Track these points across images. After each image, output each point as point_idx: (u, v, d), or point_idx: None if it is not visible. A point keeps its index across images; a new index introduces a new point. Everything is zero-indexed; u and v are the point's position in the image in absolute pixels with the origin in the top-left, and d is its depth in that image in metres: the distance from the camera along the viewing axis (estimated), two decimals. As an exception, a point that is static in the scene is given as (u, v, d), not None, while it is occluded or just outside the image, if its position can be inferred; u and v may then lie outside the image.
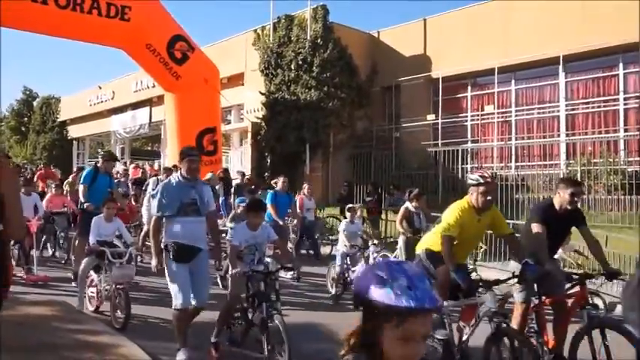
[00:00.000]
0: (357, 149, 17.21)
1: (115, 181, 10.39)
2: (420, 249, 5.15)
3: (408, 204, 8.43)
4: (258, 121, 17.35)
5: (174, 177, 5.04)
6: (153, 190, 10.70)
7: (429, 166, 15.74)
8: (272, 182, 13.35)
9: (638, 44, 12.30)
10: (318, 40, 16.42)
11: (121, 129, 25.61)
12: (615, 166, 12.65)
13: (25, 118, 35.50)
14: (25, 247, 8.30)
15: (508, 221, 11.75)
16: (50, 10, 12.02)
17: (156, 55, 13.86)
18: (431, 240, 5.06)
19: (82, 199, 8.01)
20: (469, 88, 16.57)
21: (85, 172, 8.59)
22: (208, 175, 12.42)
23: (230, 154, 20.61)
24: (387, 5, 65.56)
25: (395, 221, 12.19)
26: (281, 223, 9.35)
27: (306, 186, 11.83)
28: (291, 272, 6.03)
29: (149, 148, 35.45)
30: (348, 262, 7.84)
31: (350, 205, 8.48)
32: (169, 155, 16.00)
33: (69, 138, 30.25)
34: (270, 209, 9.05)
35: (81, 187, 8.12)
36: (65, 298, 6.86)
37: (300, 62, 16.57)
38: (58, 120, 30.33)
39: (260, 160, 17.55)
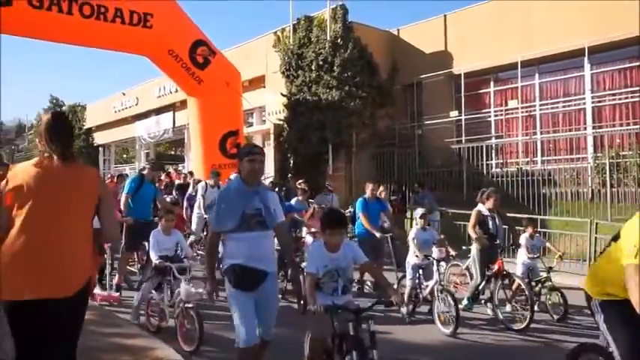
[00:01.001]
0: (380, 148, 17.18)
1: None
2: (592, 293, 3.35)
3: (480, 206, 7.32)
4: (281, 122, 17.43)
5: (233, 182, 4.19)
6: (203, 195, 10.63)
7: (453, 164, 15.65)
8: (297, 184, 13.36)
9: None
10: (338, 40, 16.43)
11: (145, 134, 25.97)
12: (645, 158, 12.41)
13: (52, 127, 36.09)
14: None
15: (535, 216, 11.78)
16: (75, 20, 12.25)
17: (178, 60, 14.03)
18: (608, 276, 3.20)
19: (122, 209, 7.63)
20: (492, 83, 16.41)
21: (128, 180, 8.17)
22: (232, 176, 12.56)
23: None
24: (407, 3, 65.29)
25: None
26: (378, 235, 8.16)
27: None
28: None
29: (173, 153, 35.85)
30: (421, 275, 6.94)
31: (422, 210, 7.45)
32: (194, 159, 16.17)
33: (95, 145, 30.78)
34: (362, 219, 8.36)
35: (123, 197, 7.74)
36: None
37: (321, 63, 16.60)
38: (84, 127, 30.87)
39: (283, 162, 17.63)
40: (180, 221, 9.35)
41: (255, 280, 3.91)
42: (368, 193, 8.66)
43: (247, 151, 4.07)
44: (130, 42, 13.61)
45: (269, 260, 4.04)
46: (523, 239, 7.62)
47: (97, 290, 7.00)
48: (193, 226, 10.36)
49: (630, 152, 12.65)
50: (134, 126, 26.88)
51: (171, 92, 22.35)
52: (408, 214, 13.19)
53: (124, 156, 35.42)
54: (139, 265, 8.05)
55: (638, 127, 13.47)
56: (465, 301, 7.18)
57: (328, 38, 16.55)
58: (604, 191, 12.49)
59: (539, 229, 11.24)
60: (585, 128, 14.44)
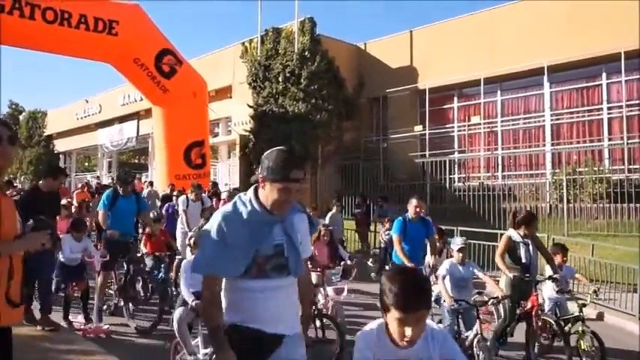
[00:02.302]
0: (346, 161, 17.30)
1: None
2: None
3: (511, 232, 5.94)
4: (247, 133, 17.38)
5: (243, 203, 2.54)
6: (184, 210, 9.63)
7: (416, 177, 15.87)
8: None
9: (621, 54, 12.58)
10: (306, 53, 16.52)
11: (108, 142, 25.52)
12: (600, 175, 12.84)
13: (11, 132, 35.13)
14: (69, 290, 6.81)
15: (495, 231, 12.02)
16: (37, 25, 12.00)
17: (144, 69, 13.87)
18: None
19: (102, 225, 7.13)
20: (455, 99, 16.75)
21: (103, 196, 7.45)
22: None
23: (218, 167, 20.61)
24: (374, 17, 66.14)
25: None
26: (408, 264, 6.26)
27: None
28: None
29: (136, 161, 35.28)
30: (459, 321, 5.63)
31: (461, 241, 5.89)
32: (157, 168, 15.97)
33: (55, 152, 30.03)
34: (395, 247, 6.62)
35: (99, 214, 7.17)
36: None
37: (288, 75, 16.65)
38: (45, 134, 30.12)
39: (248, 173, 17.53)
40: (166, 239, 8.37)
41: (267, 348, 2.59)
42: (410, 212, 6.69)
43: (284, 167, 2.41)
44: (95, 49, 13.39)
45: (290, 319, 2.65)
46: (549, 270, 6.16)
47: (79, 319, 6.55)
48: (178, 243, 9.23)
49: (586, 169, 13.07)
50: (97, 134, 26.37)
51: (135, 100, 22.03)
52: (372, 227, 13.28)
53: (86, 164, 34.68)
54: (115, 287, 7.29)
55: (594, 144, 13.97)
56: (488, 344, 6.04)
57: (296, 50, 16.62)
58: (561, 206, 12.85)
59: (498, 243, 11.51)
60: (544, 145, 14.87)
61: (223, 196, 13.02)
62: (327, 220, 10.69)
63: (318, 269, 6.37)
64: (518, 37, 14.52)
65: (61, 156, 30.27)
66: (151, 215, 8.24)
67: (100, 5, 13.09)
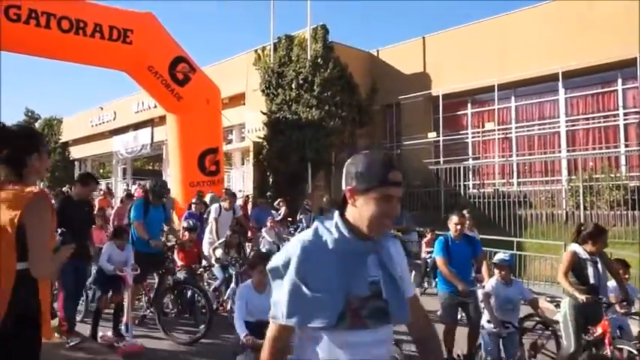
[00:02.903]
0: (359, 167, 17.20)
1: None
2: None
3: (575, 247, 5.26)
4: (260, 140, 17.41)
5: (327, 229, 1.92)
6: (215, 219, 9.24)
7: (431, 184, 15.78)
8: (275, 204, 13.35)
9: (636, 59, 12.43)
10: (319, 60, 16.54)
11: (122, 149, 25.70)
12: (617, 182, 12.67)
13: (27, 140, 35.56)
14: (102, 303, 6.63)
15: (511, 239, 11.90)
16: (53, 34, 12.13)
17: (158, 77, 13.95)
18: None
19: (143, 236, 6.85)
20: (469, 105, 16.66)
21: (134, 206, 7.30)
22: (209, 196, 12.43)
23: (232, 174, 20.65)
24: (386, 24, 66.18)
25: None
26: (461, 287, 5.68)
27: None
28: None
29: (150, 168, 35.51)
30: (501, 349, 5.19)
31: (504, 257, 5.45)
32: (172, 176, 16.03)
33: (71, 159, 30.33)
34: (440, 268, 5.96)
35: (136, 226, 6.94)
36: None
37: (301, 82, 16.68)
38: (60, 141, 30.43)
39: (262, 180, 17.57)
40: (198, 251, 8.05)
41: None
42: (452, 231, 6.04)
43: (380, 169, 1.87)
44: (109, 57, 13.51)
45: None
46: (611, 287, 5.53)
47: (108, 335, 6.35)
48: (205, 252, 8.89)
49: (603, 175, 12.91)
50: (111, 141, 26.58)
51: (149, 108, 22.19)
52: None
53: (101, 171, 34.95)
54: (145, 298, 7.26)
55: (610, 150, 13.80)
56: None
57: (309, 57, 16.65)
58: (578, 213, 12.70)
59: (514, 251, 11.44)
60: (560, 151, 14.72)
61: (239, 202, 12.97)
62: None
63: None
64: (532, 42, 14.41)
65: (76, 163, 30.55)
66: (185, 224, 8.07)
67: (114, 14, 13.22)
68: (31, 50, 13.14)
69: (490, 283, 5.31)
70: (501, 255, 5.47)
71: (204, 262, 8.07)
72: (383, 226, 1.88)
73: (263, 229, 10.66)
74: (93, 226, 7.11)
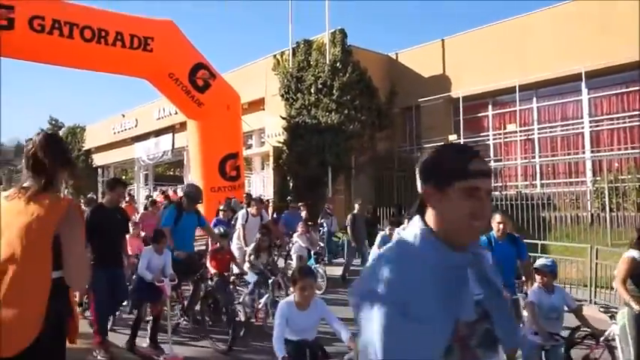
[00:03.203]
0: (379, 171, 17.18)
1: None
2: None
3: (634, 252, 4.83)
4: (280, 145, 17.46)
5: (412, 243, 1.49)
6: (243, 225, 9.17)
7: (452, 186, 15.62)
8: (293, 206, 13.37)
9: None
10: (337, 64, 16.55)
11: (144, 156, 25.99)
12: (644, 183, 12.41)
13: (51, 147, 36.19)
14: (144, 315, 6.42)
15: (535, 241, 11.72)
16: (76, 43, 12.32)
17: (178, 84, 14.09)
18: None
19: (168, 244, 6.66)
20: (490, 107, 16.50)
21: (166, 212, 7.19)
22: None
23: (252, 179, 20.74)
24: (405, 27, 65.94)
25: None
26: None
27: None
28: None
29: (172, 173, 35.85)
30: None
31: (546, 262, 4.96)
32: (193, 181, 16.15)
33: (94, 166, 30.77)
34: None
35: (166, 231, 6.69)
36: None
37: (320, 86, 16.70)
38: (84, 149, 30.89)
39: (282, 184, 17.61)
40: (230, 257, 7.81)
41: None
42: (495, 230, 5.55)
43: (462, 158, 1.51)
44: (131, 65, 13.68)
45: None
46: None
47: (143, 345, 6.12)
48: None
49: (629, 176, 12.66)
50: (133, 147, 26.90)
51: (170, 114, 22.42)
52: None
53: (123, 177, 35.38)
54: (179, 307, 7.12)
55: (636, 151, 13.52)
56: None
57: (327, 62, 16.66)
58: (603, 215, 12.47)
59: (539, 254, 11.26)
60: (584, 152, 14.48)
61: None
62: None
63: None
64: (553, 42, 14.22)
65: (99, 170, 30.98)
66: (216, 231, 7.90)
67: (135, 22, 13.39)
68: (55, 60, 13.38)
69: (533, 289, 4.89)
70: (543, 260, 4.98)
71: (236, 270, 7.91)
72: (473, 229, 1.48)
73: (295, 234, 10.43)
74: (128, 235, 6.93)
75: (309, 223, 13.33)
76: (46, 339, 2.41)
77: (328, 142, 16.19)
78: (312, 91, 16.84)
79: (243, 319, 7.10)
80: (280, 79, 17.78)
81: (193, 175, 16.27)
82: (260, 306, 7.34)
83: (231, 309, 6.63)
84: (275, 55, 18.46)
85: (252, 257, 7.65)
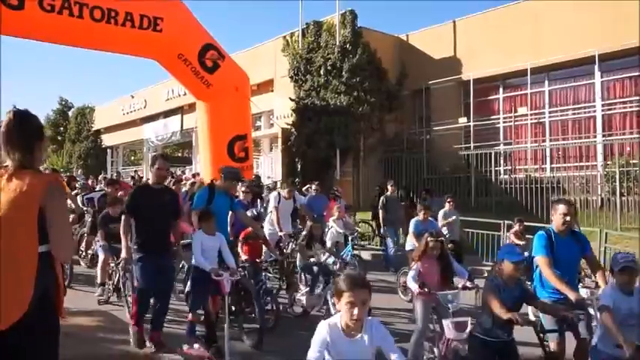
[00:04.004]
0: (388, 153, 17.14)
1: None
2: None
3: None
4: (288, 126, 17.43)
5: None
6: (276, 207, 8.48)
7: (461, 170, 15.60)
8: (304, 189, 13.34)
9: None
10: (347, 45, 16.42)
11: (153, 137, 26.06)
12: (655, 167, 12.31)
13: (61, 128, 36.37)
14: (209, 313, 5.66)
15: (544, 225, 11.65)
16: (86, 23, 12.26)
17: (187, 64, 14.02)
18: None
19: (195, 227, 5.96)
20: (501, 89, 16.36)
21: (197, 194, 6.58)
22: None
23: (260, 160, 20.76)
24: (416, 8, 65.15)
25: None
26: (573, 298, 4.25)
27: None
28: None
29: (180, 155, 35.93)
30: None
31: (625, 260, 3.87)
32: (202, 162, 16.18)
33: (103, 146, 30.90)
34: (545, 272, 4.53)
35: (193, 216, 6.06)
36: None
37: (330, 68, 16.60)
38: (93, 129, 31.00)
39: (290, 166, 17.61)
40: (264, 242, 7.12)
41: None
42: (557, 223, 4.68)
43: None
44: (140, 46, 13.62)
45: None
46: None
47: (195, 346, 5.26)
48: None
49: (640, 161, 12.56)
50: (142, 128, 26.96)
51: (179, 95, 22.41)
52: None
53: (132, 158, 35.55)
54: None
55: (648, 135, 13.39)
56: None
57: (337, 43, 16.54)
58: (613, 200, 12.40)
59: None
60: (595, 136, 14.35)
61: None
62: (439, 222, 9.36)
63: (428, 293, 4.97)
64: (566, 25, 14.01)
65: (108, 150, 31.11)
66: (248, 213, 7.26)
67: (144, 2, 13.29)
68: (64, 40, 13.34)
69: (605, 291, 3.99)
70: (623, 255, 4.00)
71: (265, 256, 7.26)
72: None
73: (331, 219, 9.43)
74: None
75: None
76: (34, 312, 2.45)
77: (337, 124, 16.15)
78: (322, 72, 16.74)
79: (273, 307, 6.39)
80: (289, 60, 17.69)
81: (202, 157, 16.31)
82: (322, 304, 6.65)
83: (263, 299, 6.10)
84: (284, 36, 18.34)
85: (300, 247, 6.96)
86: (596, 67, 13.91)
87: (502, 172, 15.47)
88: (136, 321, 5.36)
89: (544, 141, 15.27)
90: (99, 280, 7.51)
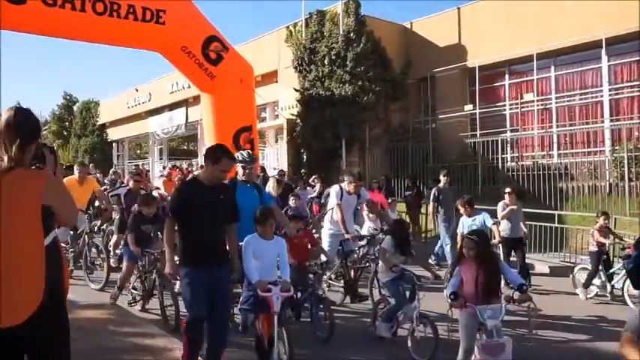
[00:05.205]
0: (394, 142, 17.09)
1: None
2: None
3: None
4: (293, 117, 17.39)
5: None
6: (339, 205, 7.20)
7: (467, 158, 15.53)
8: (310, 181, 13.35)
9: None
10: (351, 34, 16.33)
11: (158, 130, 26.06)
12: (664, 152, 12.22)
13: (67, 123, 36.46)
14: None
15: (551, 212, 11.63)
16: (88, 17, 12.22)
17: (191, 56, 13.97)
18: None
19: None
20: (507, 76, 16.24)
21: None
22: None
23: (266, 152, 20.74)
24: (417, -6, 64.66)
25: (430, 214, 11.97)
26: None
27: None
28: None
29: (185, 148, 35.97)
30: None
31: None
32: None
33: (108, 140, 30.95)
34: None
35: None
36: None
37: (334, 57, 16.52)
38: (98, 123, 31.04)
39: (296, 157, 17.60)
40: (312, 245, 6.37)
41: None
42: None
43: None
44: (143, 38, 13.58)
45: None
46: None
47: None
48: (325, 246, 7.13)
49: (649, 145, 12.46)
50: (147, 122, 26.97)
51: (183, 88, 22.38)
52: (423, 210, 13.09)
53: (138, 151, 35.60)
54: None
55: (657, 119, 13.28)
56: None
57: (341, 32, 16.45)
58: (622, 185, 12.33)
59: (555, 224, 11.22)
60: (603, 121, 14.25)
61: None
62: (498, 215, 8.41)
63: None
64: (572, 9, 13.85)
65: (114, 144, 31.16)
66: (289, 212, 6.63)
67: (147, -5, 13.24)
68: (67, 34, 13.32)
69: None
70: None
71: (322, 258, 6.50)
72: None
73: (364, 212, 8.86)
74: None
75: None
76: (47, 305, 2.51)
77: (342, 114, 16.09)
78: (326, 62, 16.67)
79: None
80: (293, 50, 17.61)
81: (208, 149, 16.31)
82: (401, 318, 5.51)
83: (314, 310, 5.49)
84: (288, 27, 18.24)
85: (387, 255, 5.67)
86: (603, 51, 13.77)
87: (509, 159, 15.40)
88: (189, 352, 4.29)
89: (551, 127, 15.17)
90: (118, 284, 6.85)
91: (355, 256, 7.33)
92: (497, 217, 8.50)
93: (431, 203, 10.66)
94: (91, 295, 7.41)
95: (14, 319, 2.43)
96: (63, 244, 7.89)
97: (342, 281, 7.23)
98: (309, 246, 6.26)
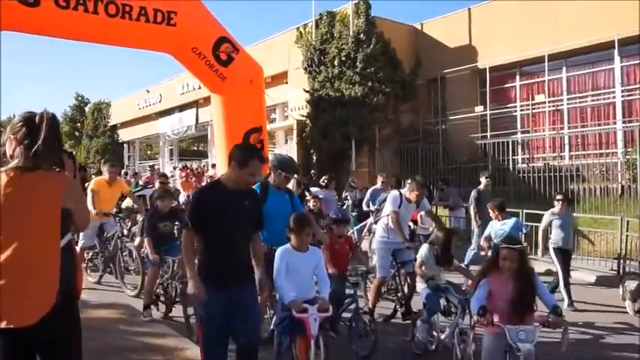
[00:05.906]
0: (404, 144, 17.05)
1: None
2: None
3: None
4: (303, 118, 17.41)
5: None
6: (396, 212, 6.53)
7: (478, 159, 15.47)
8: (320, 181, 13.35)
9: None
10: (361, 36, 16.34)
11: (169, 131, 26.21)
12: (677, 154, 12.09)
13: (78, 124, 36.78)
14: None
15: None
16: (100, 19, 12.26)
17: (202, 58, 13.97)
18: None
19: None
20: (517, 77, 16.16)
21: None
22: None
23: (275, 153, 20.79)
24: (428, -5, 64.53)
25: (444, 216, 12.03)
26: None
27: None
28: None
29: (195, 149, 36.13)
30: None
31: None
32: (218, 156, 16.24)
33: (120, 141, 31.16)
34: None
35: None
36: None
37: (344, 58, 16.53)
38: (109, 124, 31.26)
39: (306, 158, 17.61)
40: (352, 250, 5.92)
41: None
42: None
43: None
44: (154, 40, 13.61)
45: None
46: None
47: None
48: (375, 256, 6.75)
49: (662, 147, 12.34)
50: (158, 123, 27.13)
51: (194, 89, 22.49)
52: (433, 211, 13.02)
53: (149, 152, 35.82)
54: (272, 313, 5.11)
55: (670, 121, 13.15)
56: None
57: (351, 33, 16.46)
58: (634, 187, 12.22)
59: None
60: (615, 123, 14.13)
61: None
62: (541, 225, 7.93)
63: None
64: (585, 9, 13.76)
65: (125, 145, 31.37)
66: (332, 215, 6.18)
67: (158, -4, 13.32)
68: (80, 36, 13.36)
69: None
70: None
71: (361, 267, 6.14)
72: None
73: (421, 214, 8.19)
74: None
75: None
76: (60, 306, 2.53)
77: (352, 115, 16.10)
78: (336, 63, 16.68)
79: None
80: (303, 51, 17.64)
81: (217, 150, 16.34)
82: (442, 336, 4.93)
83: (354, 323, 5.15)
84: (298, 28, 18.28)
85: (423, 267, 5.26)
86: (616, 52, 13.66)
87: (520, 161, 15.32)
88: None
89: (562, 128, 15.08)
90: (145, 302, 6.27)
91: (412, 267, 6.42)
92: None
93: (471, 206, 10.10)
94: (102, 295, 7.47)
95: (27, 319, 2.44)
96: (91, 250, 7.95)
97: (395, 295, 6.72)
98: (351, 253, 5.82)
